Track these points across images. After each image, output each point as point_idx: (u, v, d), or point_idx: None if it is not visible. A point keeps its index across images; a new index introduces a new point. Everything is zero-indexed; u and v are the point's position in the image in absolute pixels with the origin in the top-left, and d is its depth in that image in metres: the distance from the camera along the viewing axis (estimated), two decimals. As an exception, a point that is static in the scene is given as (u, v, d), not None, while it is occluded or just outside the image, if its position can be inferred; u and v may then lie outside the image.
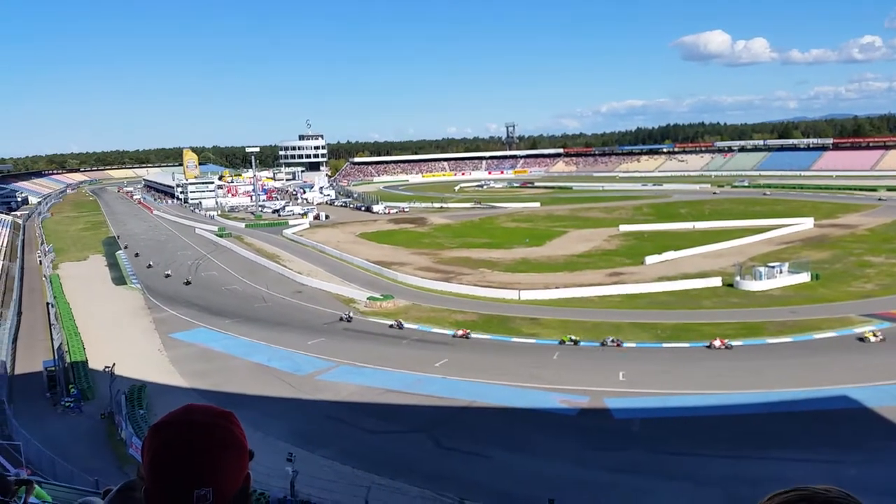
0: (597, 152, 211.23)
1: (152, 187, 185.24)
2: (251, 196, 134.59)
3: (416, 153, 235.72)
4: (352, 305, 52.10)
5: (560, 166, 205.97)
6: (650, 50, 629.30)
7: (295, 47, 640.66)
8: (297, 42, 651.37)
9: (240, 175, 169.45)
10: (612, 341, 39.36)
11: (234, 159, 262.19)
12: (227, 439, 1.86)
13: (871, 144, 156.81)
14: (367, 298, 52.36)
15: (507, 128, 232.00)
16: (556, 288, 53.47)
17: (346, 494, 23.44)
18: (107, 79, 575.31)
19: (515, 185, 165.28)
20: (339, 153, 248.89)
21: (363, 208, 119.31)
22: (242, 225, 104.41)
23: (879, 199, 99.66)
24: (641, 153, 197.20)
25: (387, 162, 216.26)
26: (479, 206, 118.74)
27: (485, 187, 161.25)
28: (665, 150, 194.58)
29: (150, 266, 69.77)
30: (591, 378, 34.40)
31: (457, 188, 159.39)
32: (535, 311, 48.01)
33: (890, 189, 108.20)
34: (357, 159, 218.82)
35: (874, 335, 37.25)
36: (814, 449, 25.81)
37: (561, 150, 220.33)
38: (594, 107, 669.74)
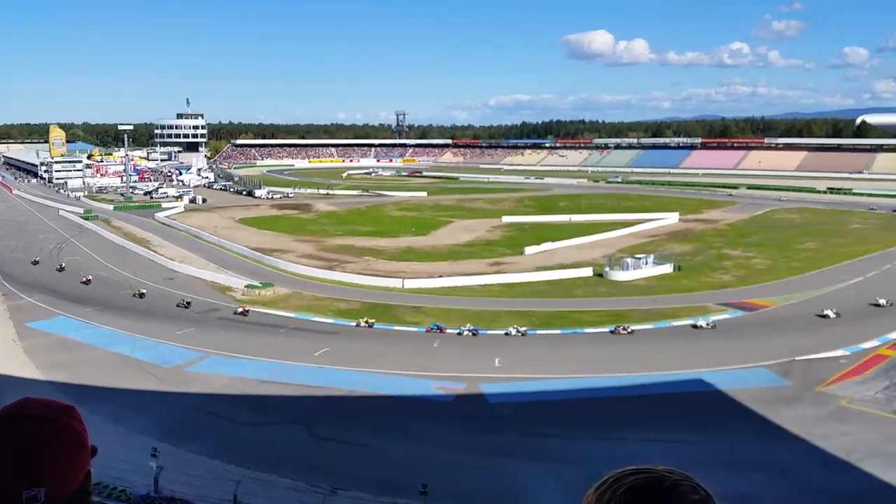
0: (484, 144, 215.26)
1: (13, 165, 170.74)
2: (122, 177, 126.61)
3: (303, 137, 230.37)
4: (228, 293, 50.34)
5: (448, 157, 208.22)
6: (538, 46, 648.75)
7: (175, 20, 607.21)
8: (177, 15, 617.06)
9: (111, 154, 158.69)
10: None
11: (106, 137, 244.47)
12: (63, 436, 1.73)
13: (735, 145, 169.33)
14: (246, 286, 50.74)
15: (398, 116, 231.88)
16: (440, 277, 54.15)
17: (215, 489, 22.63)
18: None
19: (404, 173, 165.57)
20: (221, 134, 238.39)
21: (245, 192, 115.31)
22: (111, 207, 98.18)
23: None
24: (525, 147, 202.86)
25: (272, 145, 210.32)
26: (366, 193, 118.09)
27: (373, 175, 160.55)
28: (548, 144, 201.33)
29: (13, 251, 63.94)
30: (468, 364, 35.15)
31: (344, 175, 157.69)
32: (419, 300, 48.40)
33: (750, 187, 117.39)
34: (240, 141, 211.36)
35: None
36: (667, 429, 27.69)
37: (450, 141, 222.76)
38: (483, 99, 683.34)
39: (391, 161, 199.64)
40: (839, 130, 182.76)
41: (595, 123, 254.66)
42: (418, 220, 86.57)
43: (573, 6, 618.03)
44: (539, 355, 36.49)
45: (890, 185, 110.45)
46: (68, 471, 1.74)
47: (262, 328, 42.35)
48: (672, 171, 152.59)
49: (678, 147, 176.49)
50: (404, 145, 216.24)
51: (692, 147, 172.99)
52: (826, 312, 41.22)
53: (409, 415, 30.34)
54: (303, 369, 34.99)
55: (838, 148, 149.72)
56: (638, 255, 56.57)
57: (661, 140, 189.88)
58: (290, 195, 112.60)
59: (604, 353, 36.55)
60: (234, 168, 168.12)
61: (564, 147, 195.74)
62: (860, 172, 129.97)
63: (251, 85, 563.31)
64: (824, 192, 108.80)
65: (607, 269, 54.22)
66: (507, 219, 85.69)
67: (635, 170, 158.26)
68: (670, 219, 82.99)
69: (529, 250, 64.25)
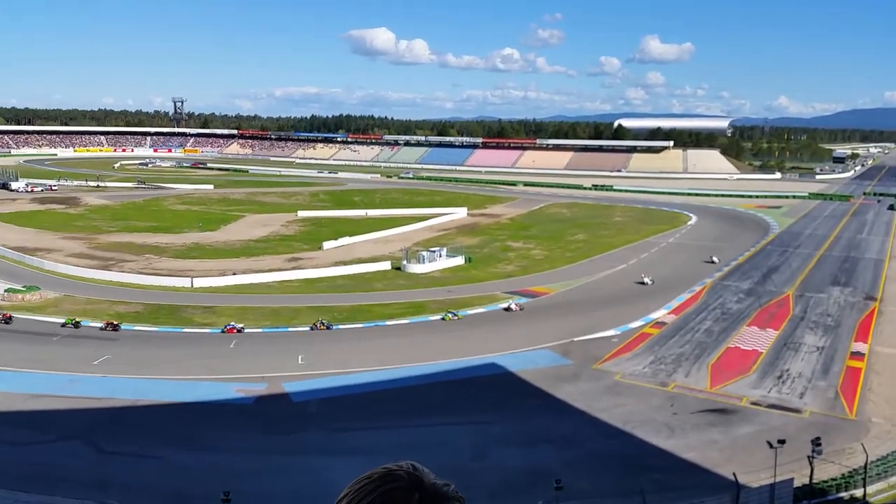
0: (273, 137, 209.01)
1: None
2: None
3: (66, 124, 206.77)
4: (-19, 300, 43.85)
5: (235, 148, 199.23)
6: (322, 39, 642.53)
7: None
8: None
9: None
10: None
11: None
12: None
13: (511, 145, 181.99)
14: (6, 291, 44.62)
15: (175, 103, 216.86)
16: (234, 274, 51.97)
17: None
18: None
19: (186, 165, 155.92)
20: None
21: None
22: None
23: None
24: (317, 140, 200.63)
25: (29, 132, 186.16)
26: (143, 186, 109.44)
27: (150, 166, 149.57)
28: (339, 139, 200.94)
29: None
30: (269, 364, 34.31)
31: (116, 165, 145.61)
32: (211, 299, 46.07)
33: (527, 184, 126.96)
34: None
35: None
36: (466, 412, 29.45)
37: (236, 132, 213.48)
38: (268, 89, 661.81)
39: (170, 151, 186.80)
40: (600, 133, 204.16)
41: (384, 120, 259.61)
42: (205, 214, 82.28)
43: (354, 1, 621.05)
44: (343, 350, 36.67)
45: (643, 182, 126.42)
46: None
47: (31, 337, 37.57)
48: (458, 168, 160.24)
49: (462, 146, 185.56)
50: (185, 134, 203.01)
51: (475, 146, 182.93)
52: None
53: (208, 421, 28.92)
54: (81, 379, 31.75)
55: (600, 149, 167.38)
56: (432, 249, 58.93)
57: (447, 139, 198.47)
58: (53, 188, 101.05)
59: (406, 344, 37.71)
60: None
61: (356, 142, 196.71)
62: (619, 171, 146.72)
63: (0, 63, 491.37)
64: (590, 189, 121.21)
65: (405, 262, 55.78)
66: (302, 213, 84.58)
67: (425, 166, 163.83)
68: (459, 213, 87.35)
69: (327, 245, 64.01)
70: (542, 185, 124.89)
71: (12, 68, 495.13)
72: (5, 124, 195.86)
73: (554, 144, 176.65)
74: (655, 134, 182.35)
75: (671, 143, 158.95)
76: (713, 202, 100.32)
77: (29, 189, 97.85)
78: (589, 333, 38.95)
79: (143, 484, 23.49)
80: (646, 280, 50.62)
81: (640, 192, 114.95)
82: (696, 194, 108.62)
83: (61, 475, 23.55)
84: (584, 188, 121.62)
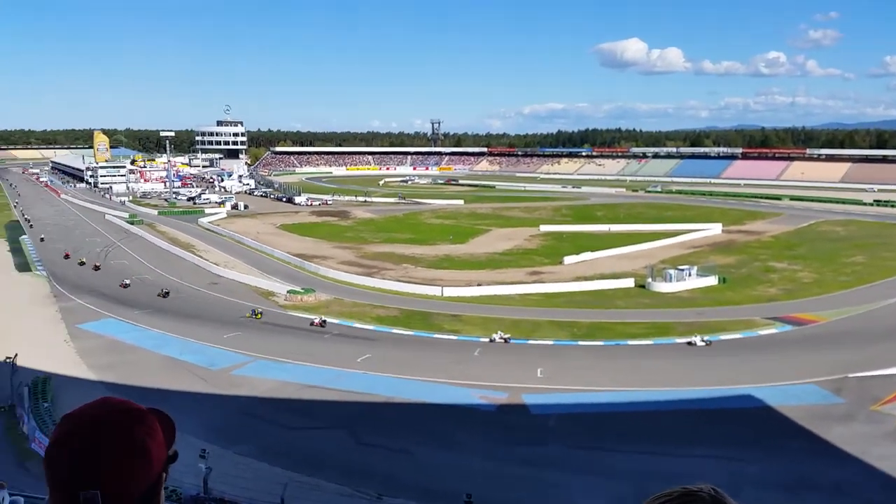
0: (519, 153, 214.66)
1: (60, 170, 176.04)
2: (165, 182, 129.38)
3: (339, 145, 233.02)
4: (271, 299, 51.00)
5: (484, 165, 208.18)
6: (570, 55, 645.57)
7: (216, 31, 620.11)
8: (217, 25, 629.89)
9: (153, 160, 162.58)
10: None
11: (148, 143, 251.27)
12: (124, 438, 1.68)
13: (776, 155, 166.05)
14: (288, 292, 51.35)
15: (433, 124, 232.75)
16: (479, 285, 54.06)
17: (262, 492, 22.97)
18: (11, 54, 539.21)
19: (440, 181, 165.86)
20: (260, 141, 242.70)
21: (284, 199, 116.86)
22: (155, 212, 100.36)
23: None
24: (562, 156, 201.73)
25: (310, 153, 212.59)
26: (403, 201, 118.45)
27: (409, 182, 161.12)
28: (584, 153, 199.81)
29: (66, 256, 65.81)
30: (510, 374, 34.96)
31: (381, 182, 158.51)
32: (457, 308, 48.38)
33: (793, 199, 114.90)
34: (279, 149, 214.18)
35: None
36: (718, 446, 27.13)
37: (485, 149, 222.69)
38: (517, 108, 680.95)
39: (427, 169, 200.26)
40: (884, 141, 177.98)
41: (632, 132, 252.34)
42: (456, 227, 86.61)
43: (605, 15, 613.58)
44: (583, 367, 36.15)
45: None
46: (128, 474, 1.68)
47: (306, 333, 42.77)
48: (713, 181, 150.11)
49: (718, 157, 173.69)
50: (440, 153, 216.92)
51: (733, 157, 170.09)
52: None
53: (452, 423, 30.26)
54: (346, 375, 35.23)
55: (884, 159, 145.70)
56: (681, 267, 55.69)
57: (701, 150, 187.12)
58: (328, 202, 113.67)
59: (649, 366, 36.05)
60: (274, 175, 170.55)
61: (601, 156, 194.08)
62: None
63: (288, 93, 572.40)
64: (871, 205, 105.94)
65: (650, 280, 53.49)
66: (544, 228, 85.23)
67: (675, 179, 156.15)
68: (713, 230, 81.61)
69: (568, 260, 63.79)
70: (811, 200, 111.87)
71: (299, 98, 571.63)
72: (291, 146, 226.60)
73: (827, 154, 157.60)
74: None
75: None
76: None
77: (309, 203, 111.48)
78: (867, 369, 33.72)
79: (392, 476, 25.28)
80: None
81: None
82: None
83: (323, 460, 26.28)
84: (864, 203, 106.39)
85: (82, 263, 61.47)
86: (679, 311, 46.79)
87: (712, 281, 54.36)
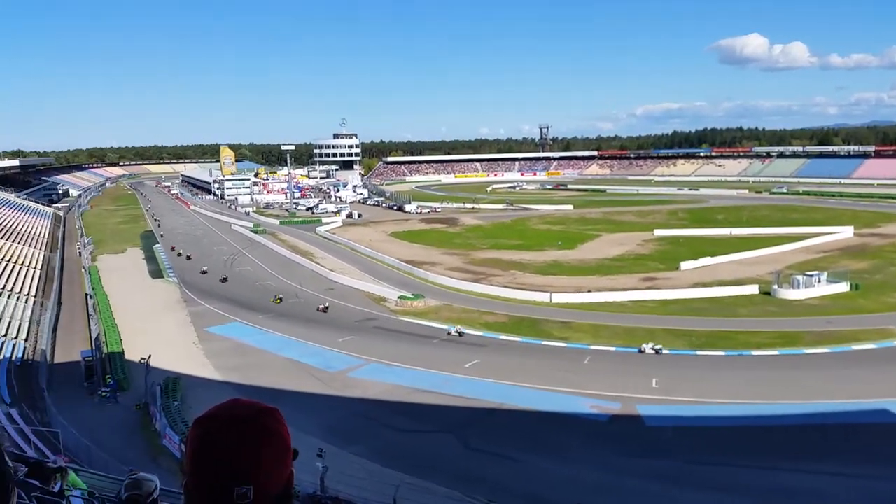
0: (632, 155, 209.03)
1: (189, 182, 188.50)
2: (286, 193, 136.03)
3: (448, 153, 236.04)
4: (382, 304, 52.39)
5: (594, 169, 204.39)
6: (686, 53, 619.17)
7: (331, 46, 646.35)
8: (333, 41, 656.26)
9: (275, 172, 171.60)
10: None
11: (270, 157, 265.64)
12: (270, 436, 1.79)
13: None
14: (399, 297, 52.57)
15: (541, 129, 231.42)
16: (589, 291, 53.02)
17: (375, 492, 23.57)
18: (146, 75, 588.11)
19: (548, 186, 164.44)
20: (373, 152, 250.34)
21: (395, 207, 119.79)
22: (277, 222, 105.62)
23: None
24: (677, 157, 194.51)
25: (419, 162, 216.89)
26: (511, 207, 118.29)
27: (517, 189, 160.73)
28: (702, 154, 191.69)
29: (188, 258, 72.04)
30: (623, 384, 34.02)
31: (489, 189, 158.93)
32: (567, 315, 47.69)
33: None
34: (390, 159, 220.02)
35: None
36: (850, 463, 25.15)
37: (595, 153, 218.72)
38: (629, 109, 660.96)
39: (535, 174, 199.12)
40: None
41: (754, 131, 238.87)
42: (564, 233, 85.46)
43: (723, 11, 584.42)
44: (701, 378, 34.62)
45: None
46: (274, 470, 1.78)
47: (416, 338, 43.62)
48: (843, 181, 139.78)
49: (849, 156, 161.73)
50: (548, 158, 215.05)
51: (865, 155, 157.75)
52: None
53: (562, 432, 29.85)
54: (455, 380, 35.58)
55: None
56: (809, 272, 52.07)
57: (830, 148, 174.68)
58: (437, 210, 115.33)
59: (774, 378, 33.99)
60: (386, 184, 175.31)
61: (721, 156, 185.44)
62: None
63: (399, 104, 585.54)
64: None
65: (775, 286, 50.38)
66: (659, 232, 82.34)
67: (801, 180, 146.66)
68: (844, 233, 75.87)
69: (685, 265, 61.23)
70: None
71: (407, 107, 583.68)
72: (402, 156, 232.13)
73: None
74: None
75: None
76: None
77: (419, 211, 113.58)
78: None
79: (501, 483, 25.23)
80: None
81: None
82: None
83: (433, 464, 26.63)
84: None
85: (204, 272, 64.95)
86: (807, 320, 43.81)
87: (843, 287, 50.50)
